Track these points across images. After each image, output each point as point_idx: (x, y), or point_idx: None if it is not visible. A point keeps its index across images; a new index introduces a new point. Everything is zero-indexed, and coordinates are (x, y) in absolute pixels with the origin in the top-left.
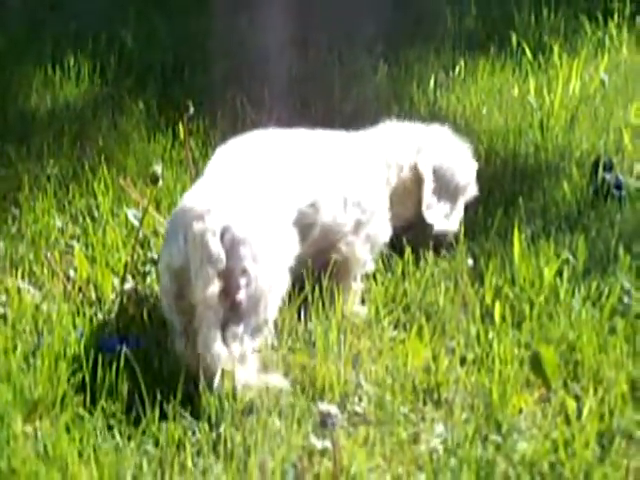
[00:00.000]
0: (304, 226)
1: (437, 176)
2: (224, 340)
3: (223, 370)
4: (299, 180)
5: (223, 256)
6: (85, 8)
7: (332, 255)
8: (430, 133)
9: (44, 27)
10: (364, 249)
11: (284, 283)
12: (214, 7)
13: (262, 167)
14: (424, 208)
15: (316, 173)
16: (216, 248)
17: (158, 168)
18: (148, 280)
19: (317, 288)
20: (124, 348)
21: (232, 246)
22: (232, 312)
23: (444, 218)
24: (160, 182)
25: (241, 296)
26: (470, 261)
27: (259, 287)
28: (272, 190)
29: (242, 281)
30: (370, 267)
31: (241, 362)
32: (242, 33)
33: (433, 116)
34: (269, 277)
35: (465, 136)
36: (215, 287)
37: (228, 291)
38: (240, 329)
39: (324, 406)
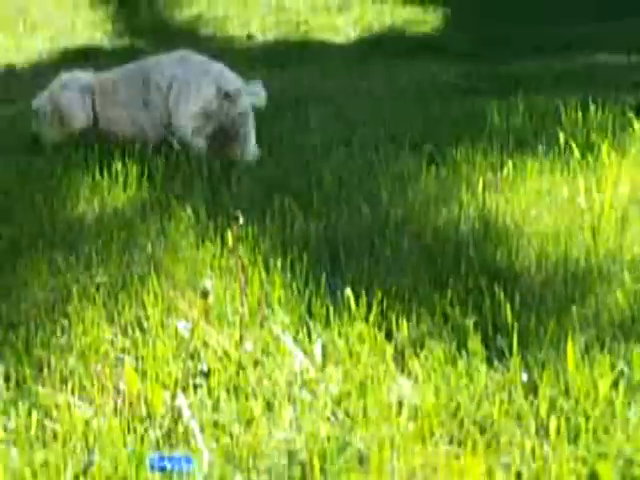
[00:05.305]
0: None
1: None
2: None
3: None
4: None
5: None
6: None
7: None
8: None
9: None
10: None
11: None
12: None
13: None
14: None
15: None
16: None
17: (208, 283)
18: (199, 394)
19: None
20: (175, 467)
21: None
22: None
23: None
24: (210, 297)
25: None
26: (524, 373)
27: None
28: None
29: None
30: None
31: None
32: (286, 134)
33: (482, 218)
34: None
35: (516, 239)
36: None
37: None
38: None
39: None
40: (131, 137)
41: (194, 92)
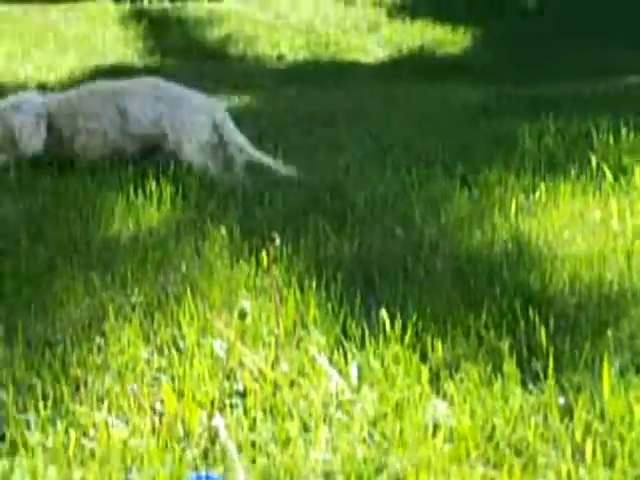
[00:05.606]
0: None
1: None
2: None
3: None
4: None
5: None
6: None
7: None
8: None
9: None
10: None
11: None
12: (293, 128)
13: None
14: None
15: None
16: None
17: (246, 303)
18: (236, 414)
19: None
20: None
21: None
22: None
23: None
24: (248, 317)
25: None
26: (561, 396)
27: None
28: None
29: None
30: None
31: None
32: (319, 154)
33: (515, 241)
34: None
35: (549, 262)
36: None
37: None
38: None
39: None
40: (102, 155)
41: (194, 131)
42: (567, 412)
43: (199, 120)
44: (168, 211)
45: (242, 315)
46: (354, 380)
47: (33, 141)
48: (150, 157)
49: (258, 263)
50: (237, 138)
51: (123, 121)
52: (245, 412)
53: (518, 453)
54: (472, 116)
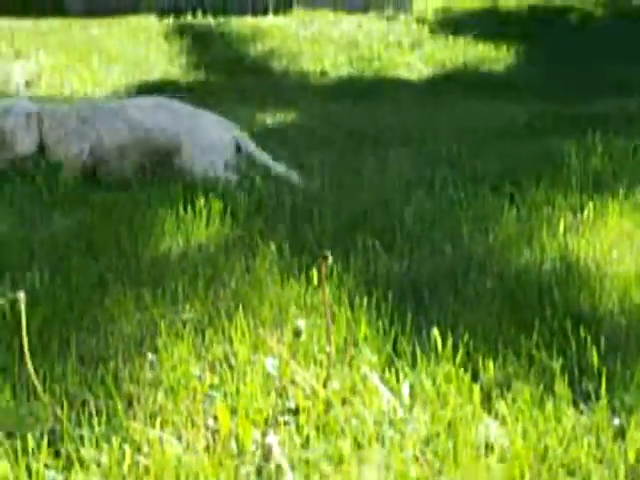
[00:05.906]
0: None
1: None
2: None
3: None
4: None
5: None
6: None
7: None
8: None
9: None
10: None
11: None
12: (338, 144)
13: None
14: None
15: None
16: None
17: (301, 322)
18: (288, 432)
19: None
20: None
21: None
22: None
23: None
24: (303, 336)
25: None
26: (613, 417)
27: None
28: None
29: None
30: None
31: None
32: (366, 171)
33: (564, 260)
34: None
35: (598, 281)
36: None
37: None
38: None
39: None
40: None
41: (218, 141)
42: (620, 433)
43: (222, 137)
44: (217, 227)
45: (297, 333)
46: (406, 399)
47: (25, 142)
48: (164, 168)
49: (308, 280)
50: (257, 153)
51: (132, 131)
52: (298, 429)
53: (571, 473)
54: (518, 134)
